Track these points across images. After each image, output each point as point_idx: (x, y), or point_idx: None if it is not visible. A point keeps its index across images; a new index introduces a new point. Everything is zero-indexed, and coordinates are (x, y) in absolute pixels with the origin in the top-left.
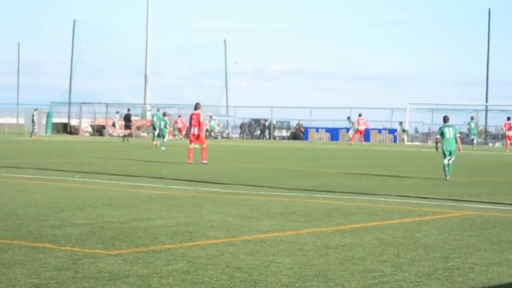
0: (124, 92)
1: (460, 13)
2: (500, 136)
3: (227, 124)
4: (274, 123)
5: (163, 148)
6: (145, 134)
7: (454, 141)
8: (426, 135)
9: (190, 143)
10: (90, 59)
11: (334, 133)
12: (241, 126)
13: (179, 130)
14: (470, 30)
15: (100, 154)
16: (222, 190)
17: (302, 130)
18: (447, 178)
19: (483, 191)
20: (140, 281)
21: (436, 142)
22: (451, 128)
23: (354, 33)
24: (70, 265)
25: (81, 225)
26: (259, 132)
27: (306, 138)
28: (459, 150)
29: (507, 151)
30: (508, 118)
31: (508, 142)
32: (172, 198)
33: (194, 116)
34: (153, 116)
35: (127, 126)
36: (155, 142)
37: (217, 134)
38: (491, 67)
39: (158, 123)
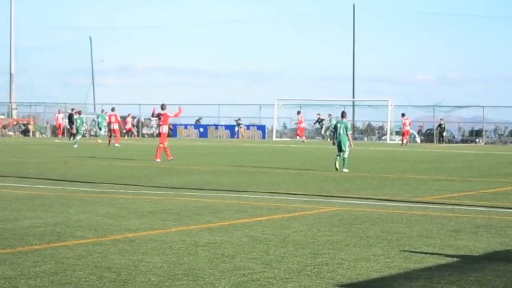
0: None
1: (325, 9)
2: (367, 131)
3: (95, 122)
4: (143, 120)
5: (75, 145)
6: (11, 133)
7: (344, 137)
8: (295, 131)
9: (161, 142)
10: None
11: (203, 130)
12: (109, 124)
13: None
14: (337, 26)
15: None
16: (90, 189)
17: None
18: (340, 169)
19: (351, 187)
20: (7, 283)
21: (333, 137)
22: (343, 125)
23: (221, 30)
24: None
25: None
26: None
27: (175, 135)
28: (350, 145)
29: (408, 144)
30: (403, 115)
31: (407, 136)
32: (40, 198)
33: (161, 117)
34: (98, 117)
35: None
36: (99, 141)
37: (84, 132)
38: (357, 62)
39: (104, 123)
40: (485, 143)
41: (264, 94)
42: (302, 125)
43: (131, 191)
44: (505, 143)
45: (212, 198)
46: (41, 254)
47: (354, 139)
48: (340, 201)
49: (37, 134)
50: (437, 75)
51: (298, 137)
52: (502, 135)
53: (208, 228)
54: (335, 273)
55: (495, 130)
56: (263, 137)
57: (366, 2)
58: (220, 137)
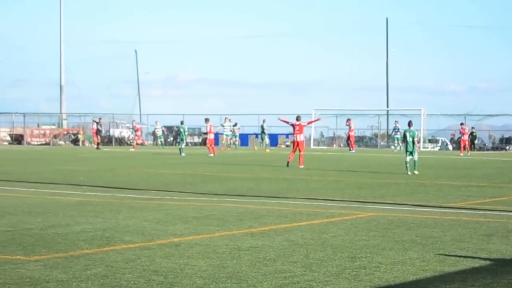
0: (41, 101)
1: (360, 23)
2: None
3: (141, 131)
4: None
5: (183, 154)
6: (62, 142)
7: (412, 143)
8: (332, 139)
9: (302, 150)
10: (6, 70)
11: (243, 139)
12: (154, 133)
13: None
14: (370, 39)
15: (19, 162)
16: (138, 196)
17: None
18: (408, 173)
19: (386, 193)
20: (60, 286)
21: (404, 143)
22: (411, 133)
23: (261, 43)
24: None
25: (2, 232)
26: (171, 138)
27: (217, 144)
28: (417, 151)
29: (462, 154)
30: (462, 124)
31: (463, 145)
32: (90, 205)
33: (296, 127)
34: (179, 128)
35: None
36: (183, 154)
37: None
38: (390, 73)
39: (185, 135)
40: None
41: (302, 104)
42: (352, 133)
43: (176, 198)
44: None
45: (254, 204)
46: (92, 258)
47: (388, 147)
48: (376, 206)
49: (86, 143)
50: (468, 85)
51: (349, 147)
52: None
53: (250, 233)
54: (373, 276)
55: None
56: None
57: (399, 15)
58: (260, 145)
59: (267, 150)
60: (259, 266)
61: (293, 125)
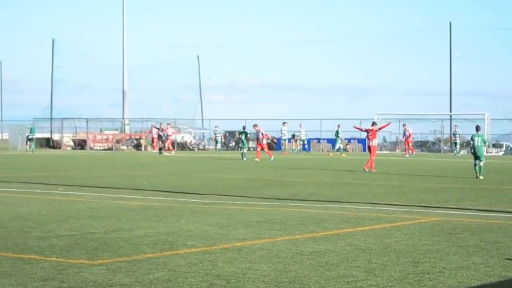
0: (104, 107)
1: (422, 27)
2: (465, 144)
3: (203, 136)
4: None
5: (244, 159)
6: (124, 147)
7: (481, 147)
8: (394, 144)
9: (373, 155)
10: (70, 76)
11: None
12: (214, 138)
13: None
14: (432, 43)
15: (82, 167)
16: (200, 200)
17: (275, 141)
18: (478, 176)
19: (450, 197)
20: None
21: (470, 147)
22: (479, 138)
23: (322, 47)
24: (56, 275)
25: (65, 236)
26: (234, 143)
27: (279, 148)
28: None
29: None
30: None
31: None
32: (152, 209)
33: (370, 132)
34: (241, 134)
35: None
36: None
37: (193, 146)
38: (453, 77)
39: (247, 140)
40: None
41: (363, 108)
42: (411, 138)
43: (238, 202)
44: None
45: (316, 209)
46: (155, 262)
47: (451, 151)
48: (440, 211)
49: (149, 148)
50: None
51: (407, 151)
52: None
53: (313, 237)
54: (436, 281)
55: None
56: (364, 150)
57: (462, 19)
58: (322, 150)
59: (331, 154)
60: (321, 270)
61: (366, 130)
